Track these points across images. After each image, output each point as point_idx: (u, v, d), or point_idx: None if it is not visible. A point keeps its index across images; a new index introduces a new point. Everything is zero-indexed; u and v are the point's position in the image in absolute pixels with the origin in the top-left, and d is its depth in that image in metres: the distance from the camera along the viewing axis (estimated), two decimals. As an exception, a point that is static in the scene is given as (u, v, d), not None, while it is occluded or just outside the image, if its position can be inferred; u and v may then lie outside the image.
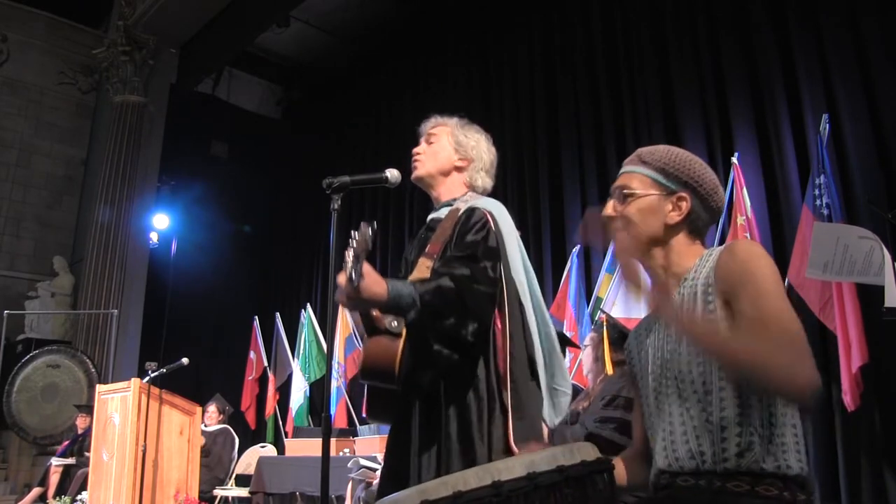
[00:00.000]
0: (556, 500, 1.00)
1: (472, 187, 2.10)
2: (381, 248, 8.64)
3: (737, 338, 1.21)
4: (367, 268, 1.64)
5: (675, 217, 1.38)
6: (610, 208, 1.44)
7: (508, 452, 1.72)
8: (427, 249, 1.94)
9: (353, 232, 1.60)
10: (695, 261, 1.37)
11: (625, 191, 1.42)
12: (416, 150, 2.12)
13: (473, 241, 1.87)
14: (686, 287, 1.35)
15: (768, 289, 1.22)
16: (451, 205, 2.04)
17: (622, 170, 1.47)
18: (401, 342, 1.79)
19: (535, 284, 1.99)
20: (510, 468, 1.01)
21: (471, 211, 1.96)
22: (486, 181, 2.12)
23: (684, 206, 1.38)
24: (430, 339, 1.74)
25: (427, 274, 1.87)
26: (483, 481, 0.99)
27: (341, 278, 1.62)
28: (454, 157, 2.09)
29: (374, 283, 1.66)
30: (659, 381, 1.36)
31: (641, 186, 1.40)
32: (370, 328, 1.84)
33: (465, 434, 1.77)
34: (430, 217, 2.11)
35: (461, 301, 1.75)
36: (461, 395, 1.80)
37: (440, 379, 1.80)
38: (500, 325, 1.86)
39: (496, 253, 1.88)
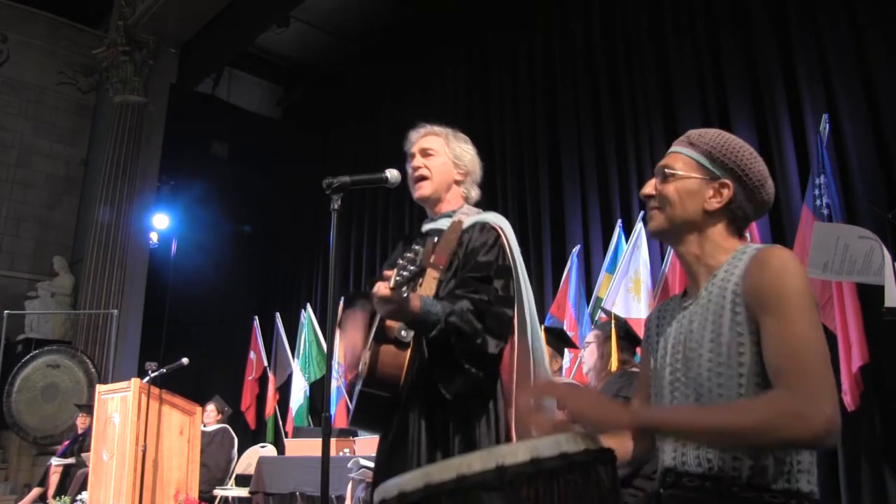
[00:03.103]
0: (560, 486, 1.00)
1: (466, 199, 2.11)
2: (381, 248, 8.65)
3: (728, 412, 1.18)
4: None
5: (714, 203, 1.33)
6: (650, 187, 1.40)
7: None
8: (433, 260, 1.94)
9: (414, 246, 1.63)
10: (728, 256, 1.32)
11: (667, 170, 1.37)
12: (415, 163, 2.06)
13: (486, 262, 1.88)
14: (715, 285, 1.30)
15: (793, 318, 1.17)
16: (450, 216, 2.03)
17: (670, 150, 1.43)
18: (408, 353, 1.81)
19: (532, 301, 1.99)
20: (514, 452, 1.00)
21: (481, 226, 1.96)
22: (476, 192, 2.14)
23: (726, 193, 1.33)
24: (458, 357, 1.76)
25: (433, 284, 1.89)
26: (487, 465, 0.98)
27: (385, 290, 1.63)
28: (454, 172, 2.07)
29: (414, 297, 1.70)
30: (675, 376, 1.33)
31: (684, 168, 1.36)
32: (379, 335, 1.85)
33: (473, 444, 1.78)
34: (427, 227, 2.09)
35: (483, 323, 1.78)
36: (469, 404, 1.82)
37: (468, 393, 1.81)
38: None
39: (509, 271, 1.89)
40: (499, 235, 1.93)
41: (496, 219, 2.00)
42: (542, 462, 1.00)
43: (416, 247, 1.62)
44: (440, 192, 2.06)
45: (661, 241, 1.48)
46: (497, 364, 1.86)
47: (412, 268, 1.57)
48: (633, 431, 1.44)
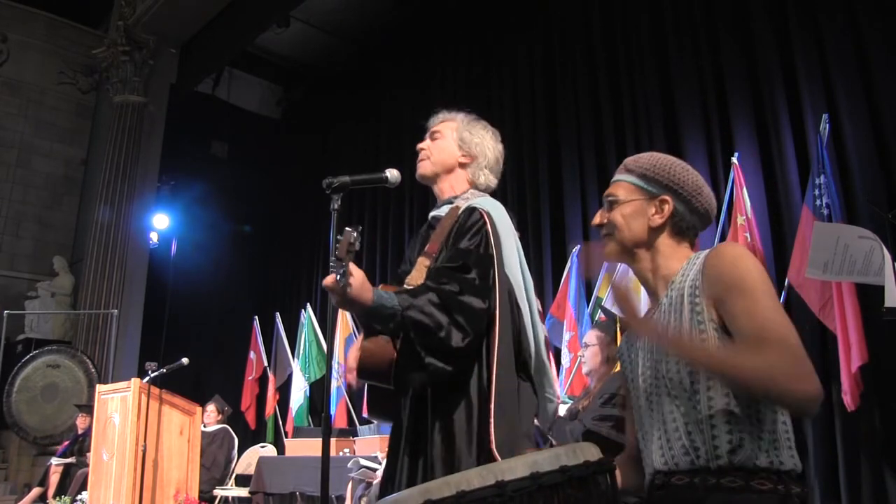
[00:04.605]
0: (559, 501, 1.00)
1: (474, 184, 2.07)
2: (381, 247, 8.65)
3: (735, 354, 1.23)
4: (357, 274, 1.64)
5: (657, 220, 1.43)
6: (598, 217, 1.51)
7: (492, 459, 1.69)
8: (426, 248, 1.93)
9: (337, 236, 1.61)
10: (682, 264, 1.40)
11: (610, 198, 1.49)
12: (420, 145, 2.10)
13: (466, 250, 1.85)
14: (673, 291, 1.37)
15: (759, 297, 1.24)
16: (451, 202, 2.02)
17: (612, 179, 1.54)
18: (397, 343, 1.80)
19: (531, 289, 1.96)
20: (513, 468, 1.01)
21: (470, 211, 1.93)
22: (489, 178, 2.09)
23: (667, 208, 1.42)
24: (420, 351, 1.72)
25: (424, 273, 1.87)
26: (486, 481, 0.99)
27: (329, 280, 1.62)
28: (457, 154, 2.06)
29: (363, 290, 1.67)
30: (650, 382, 1.38)
31: (625, 193, 1.47)
32: (368, 328, 1.84)
33: (451, 439, 1.75)
34: (431, 214, 2.09)
35: (449, 315, 1.73)
36: (449, 399, 1.79)
37: (432, 385, 1.79)
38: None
39: (489, 259, 1.84)
40: (484, 222, 1.89)
41: (485, 203, 1.96)
42: (541, 477, 1.00)
43: (338, 236, 1.61)
44: (438, 173, 2.07)
45: (618, 263, 1.61)
46: (476, 356, 1.80)
47: (334, 258, 1.59)
48: (623, 461, 1.48)
